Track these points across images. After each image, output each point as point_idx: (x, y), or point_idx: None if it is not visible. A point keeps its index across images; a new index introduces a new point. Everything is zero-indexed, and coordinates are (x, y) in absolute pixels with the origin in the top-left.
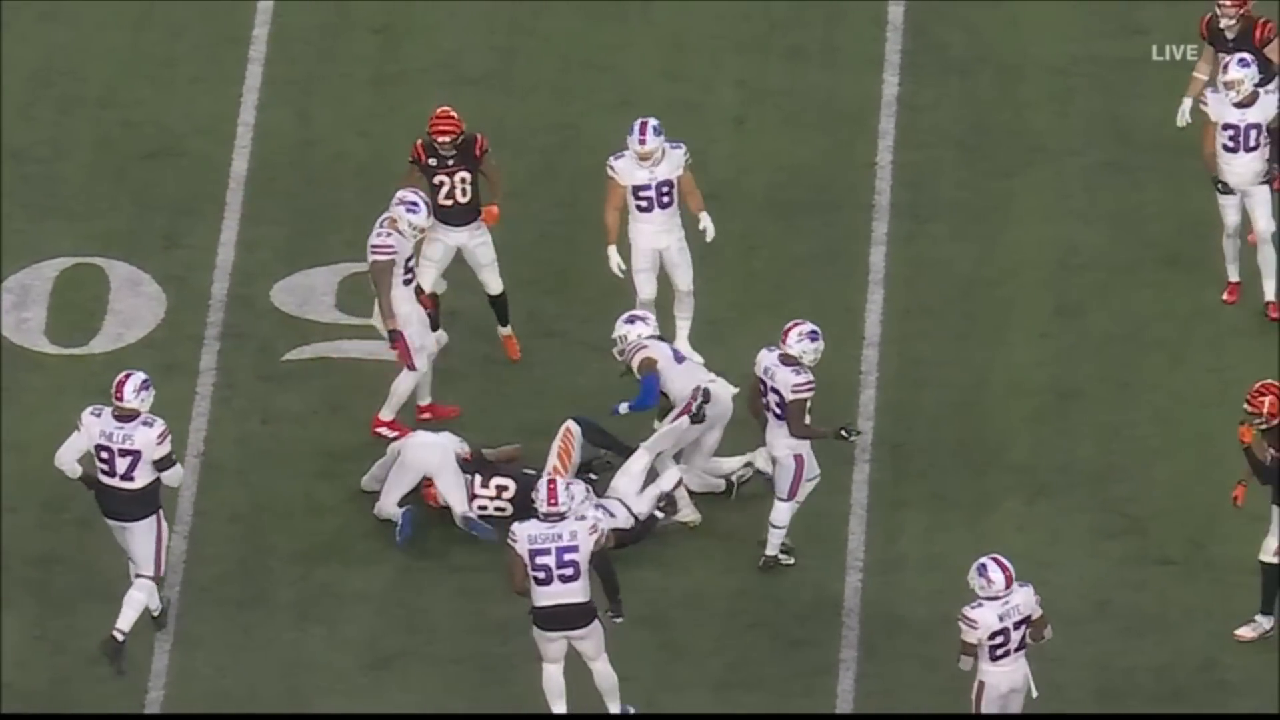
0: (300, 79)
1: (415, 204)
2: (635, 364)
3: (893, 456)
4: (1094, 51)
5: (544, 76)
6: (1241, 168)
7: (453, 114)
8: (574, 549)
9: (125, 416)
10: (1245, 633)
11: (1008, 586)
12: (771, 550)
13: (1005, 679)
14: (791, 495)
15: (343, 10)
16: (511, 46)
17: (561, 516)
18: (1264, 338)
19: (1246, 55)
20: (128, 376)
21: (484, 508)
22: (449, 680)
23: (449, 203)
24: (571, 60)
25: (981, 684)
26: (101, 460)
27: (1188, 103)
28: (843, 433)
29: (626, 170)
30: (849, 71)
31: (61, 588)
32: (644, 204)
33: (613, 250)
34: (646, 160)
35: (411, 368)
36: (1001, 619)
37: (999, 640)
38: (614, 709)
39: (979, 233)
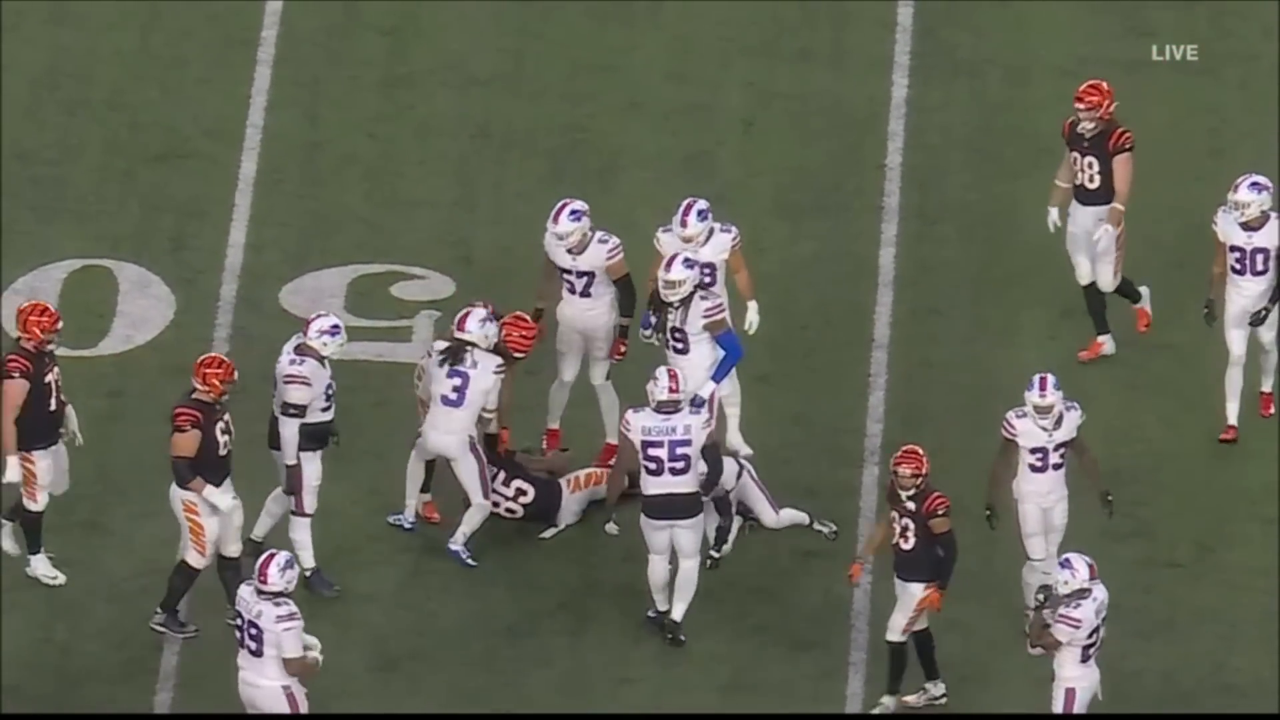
0: (309, 81)
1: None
2: (711, 320)
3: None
4: (1102, 53)
5: (552, 78)
6: (1249, 291)
7: None
8: (687, 443)
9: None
10: (912, 700)
11: (1091, 577)
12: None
13: (1090, 679)
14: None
15: (351, 12)
16: (520, 48)
17: (676, 407)
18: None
19: (1261, 179)
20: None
21: (496, 504)
22: (457, 682)
23: None
24: (580, 62)
25: (1071, 690)
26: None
27: (1054, 212)
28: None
29: (669, 244)
30: (857, 74)
31: (68, 590)
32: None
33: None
34: (689, 244)
35: None
36: (1097, 614)
37: (1092, 640)
38: (677, 612)
39: (987, 234)
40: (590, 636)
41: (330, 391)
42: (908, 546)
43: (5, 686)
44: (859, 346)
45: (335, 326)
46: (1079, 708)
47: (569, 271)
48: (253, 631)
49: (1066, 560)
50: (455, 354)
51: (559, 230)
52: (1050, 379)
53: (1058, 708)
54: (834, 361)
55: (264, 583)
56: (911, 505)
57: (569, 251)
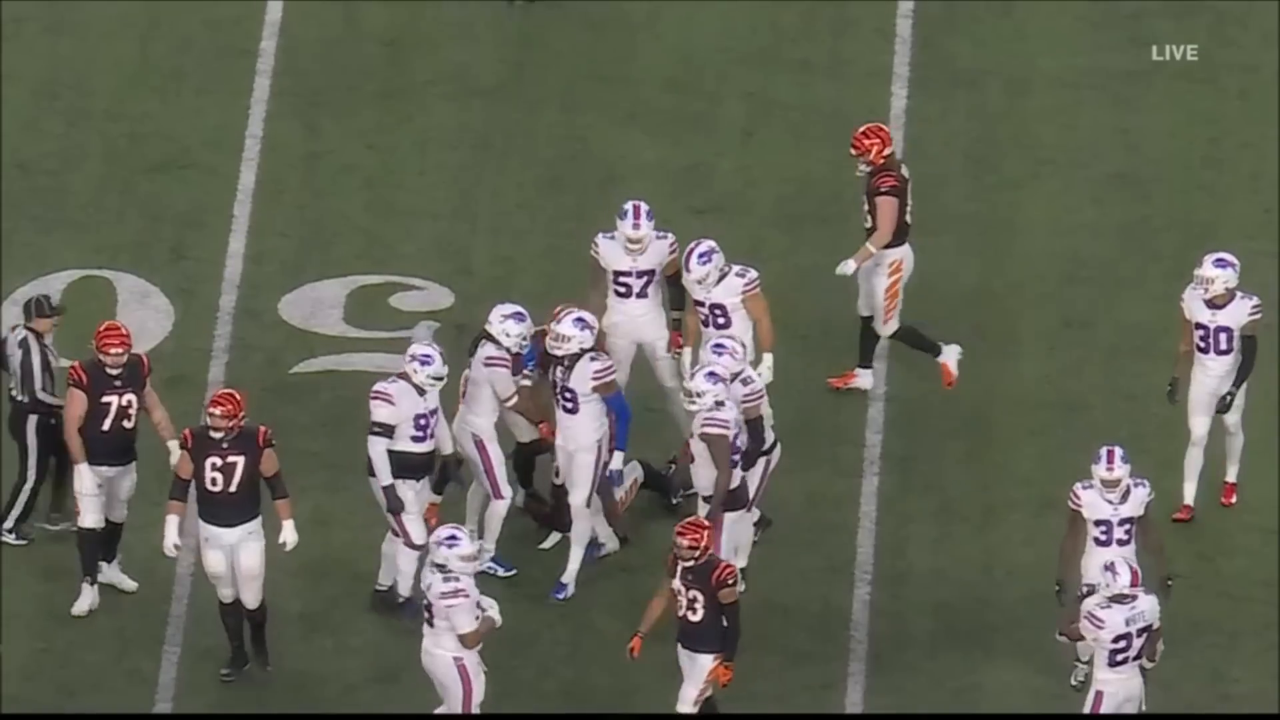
0: (308, 91)
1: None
2: (601, 382)
3: (900, 469)
4: (1101, 64)
5: (552, 89)
6: (1213, 371)
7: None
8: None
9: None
10: None
11: (1133, 584)
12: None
13: (1123, 687)
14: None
15: (351, 22)
16: (519, 59)
17: None
18: (1270, 349)
19: (1227, 255)
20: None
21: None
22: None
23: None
24: (579, 72)
25: (1099, 693)
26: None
27: (851, 264)
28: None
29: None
30: (857, 84)
31: (67, 601)
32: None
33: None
34: (700, 285)
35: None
36: (1128, 623)
37: (1121, 645)
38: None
39: (986, 245)
40: (590, 647)
41: (423, 422)
42: (696, 618)
43: (5, 696)
44: (858, 356)
45: (426, 356)
46: (1106, 711)
47: (628, 274)
48: (426, 601)
49: (1111, 564)
50: (473, 345)
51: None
52: (1118, 452)
53: (1086, 708)
54: (833, 371)
55: (451, 546)
56: (695, 576)
57: (631, 252)
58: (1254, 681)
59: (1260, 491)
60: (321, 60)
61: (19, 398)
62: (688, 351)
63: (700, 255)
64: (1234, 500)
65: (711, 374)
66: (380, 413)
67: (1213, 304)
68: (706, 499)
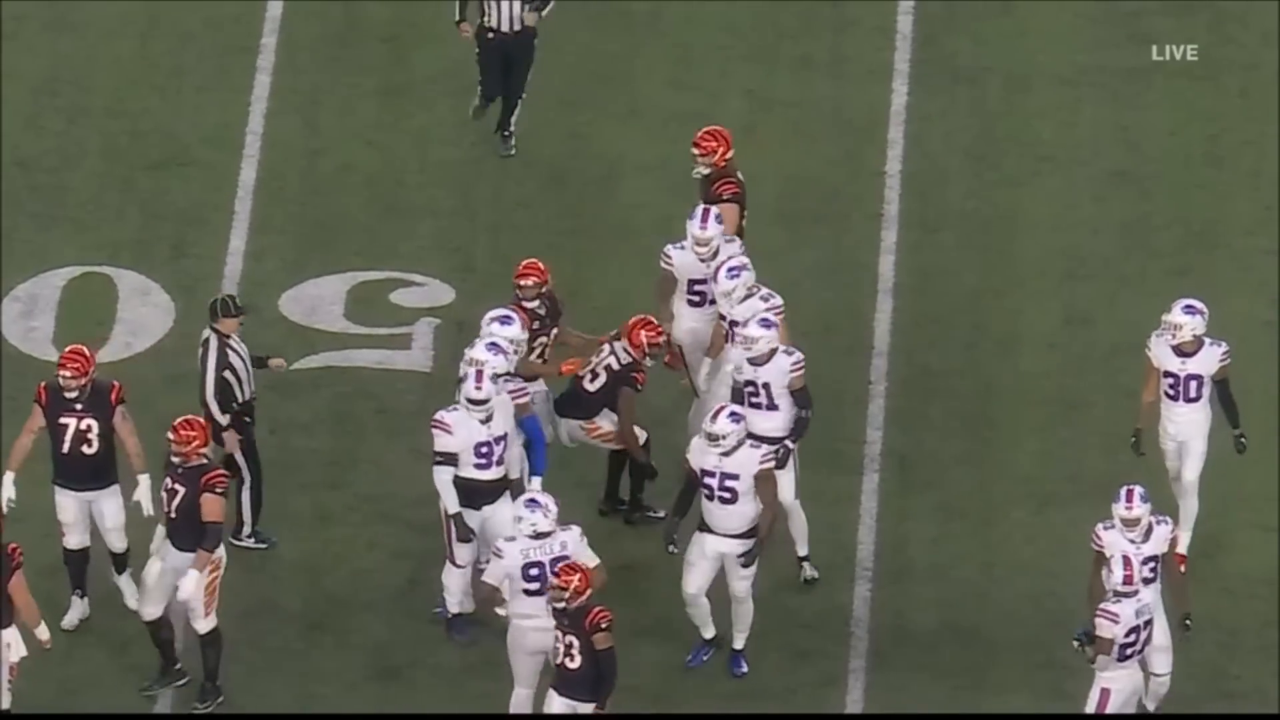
0: (308, 88)
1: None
2: (515, 404)
3: (901, 466)
4: (1101, 61)
5: (552, 86)
6: (1181, 418)
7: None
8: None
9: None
10: None
11: (1127, 581)
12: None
13: (1128, 682)
14: None
15: (351, 20)
16: None
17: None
18: (1269, 350)
19: (1196, 302)
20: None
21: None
22: (457, 690)
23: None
24: (580, 70)
25: (1106, 690)
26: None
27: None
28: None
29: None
30: (857, 81)
31: (68, 598)
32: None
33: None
34: (727, 300)
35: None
36: (1137, 614)
37: (1130, 639)
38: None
39: (987, 242)
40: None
41: (484, 450)
42: (574, 665)
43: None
44: (859, 354)
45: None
46: (1113, 709)
47: (703, 282)
48: (534, 571)
49: (1107, 561)
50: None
51: (705, 235)
52: (1137, 491)
53: (1091, 707)
54: (834, 369)
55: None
56: (570, 621)
57: (703, 259)
58: (1254, 679)
59: (1260, 489)
60: (322, 57)
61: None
62: (707, 362)
63: (730, 270)
64: (1183, 570)
65: (734, 415)
66: (440, 442)
67: (1181, 351)
68: (748, 534)
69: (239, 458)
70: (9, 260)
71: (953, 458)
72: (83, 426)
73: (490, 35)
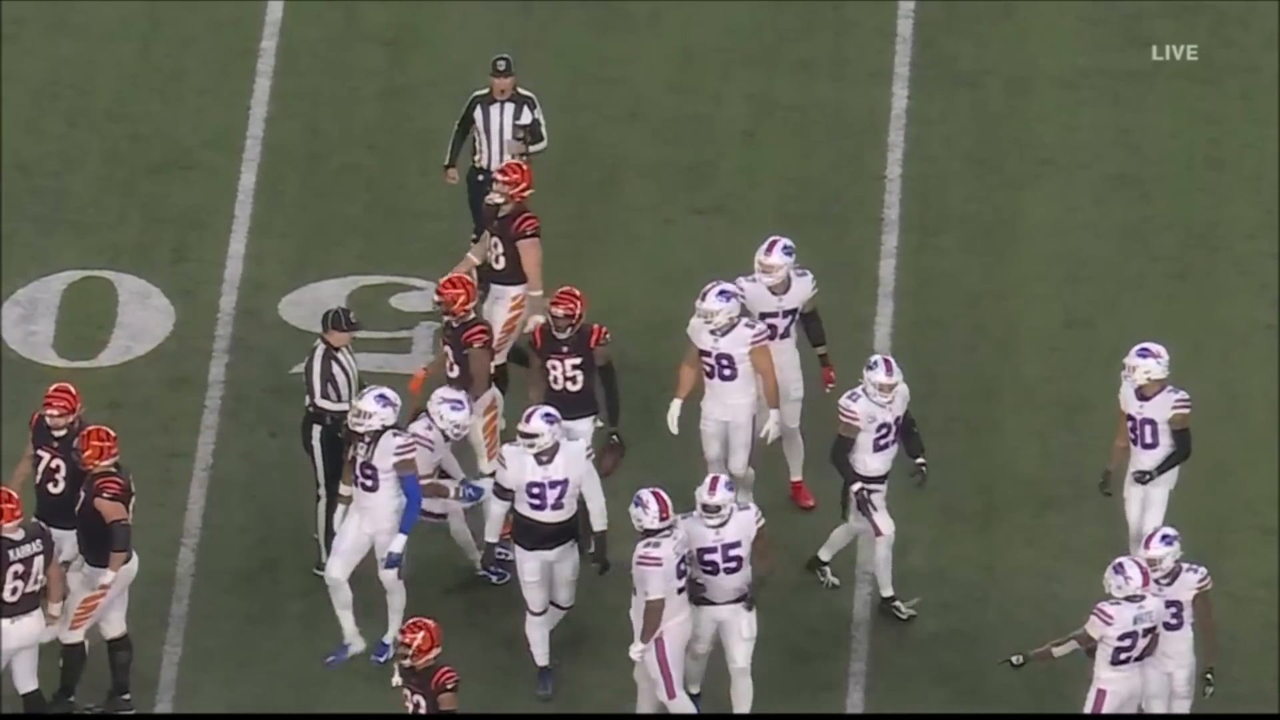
0: (309, 92)
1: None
2: (401, 459)
3: (901, 469)
4: (1102, 64)
5: (553, 89)
6: (1141, 464)
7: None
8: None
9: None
10: None
11: (1144, 584)
12: None
13: (1125, 685)
14: None
15: (351, 23)
16: (520, 58)
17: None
18: (1270, 354)
19: (1155, 346)
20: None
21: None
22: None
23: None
24: (580, 72)
25: (1102, 691)
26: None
27: (676, 405)
28: None
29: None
30: (858, 84)
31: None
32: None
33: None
34: (707, 325)
35: None
36: (1135, 621)
37: (1125, 644)
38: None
39: (988, 245)
40: (588, 649)
41: (536, 490)
42: None
43: (5, 696)
44: (860, 357)
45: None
46: (1108, 711)
47: (774, 315)
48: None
49: (1120, 565)
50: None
51: (770, 262)
52: (1160, 534)
53: (1088, 708)
54: (835, 371)
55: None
56: (417, 681)
57: (774, 291)
58: (1254, 681)
59: (1260, 491)
60: (322, 60)
61: (308, 406)
62: (676, 403)
63: (720, 293)
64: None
65: (730, 484)
66: (497, 474)
67: (1141, 395)
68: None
69: (319, 472)
70: (9, 264)
71: (953, 461)
72: (53, 465)
73: (480, 178)
